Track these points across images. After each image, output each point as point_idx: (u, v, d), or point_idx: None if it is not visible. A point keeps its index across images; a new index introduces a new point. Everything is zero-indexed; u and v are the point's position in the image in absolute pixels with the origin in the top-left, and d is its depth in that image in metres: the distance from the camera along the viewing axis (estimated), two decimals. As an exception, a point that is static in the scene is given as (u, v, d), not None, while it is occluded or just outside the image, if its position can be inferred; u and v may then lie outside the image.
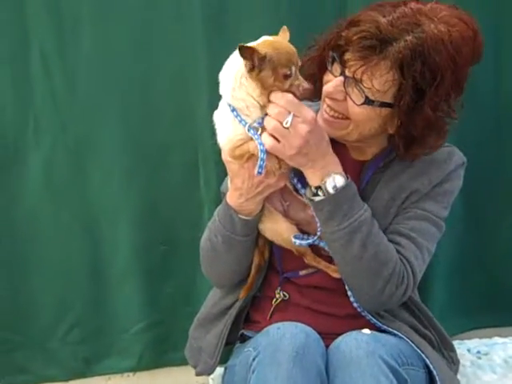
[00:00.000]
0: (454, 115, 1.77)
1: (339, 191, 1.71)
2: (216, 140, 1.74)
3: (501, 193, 2.55)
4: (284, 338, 1.64)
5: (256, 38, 2.24)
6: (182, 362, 2.19)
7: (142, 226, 2.45)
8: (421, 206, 1.83)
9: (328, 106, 1.75)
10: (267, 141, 1.62)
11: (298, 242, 1.80)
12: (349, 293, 1.84)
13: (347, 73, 1.69)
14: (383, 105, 1.69)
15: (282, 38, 1.67)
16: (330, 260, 1.84)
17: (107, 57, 2.31)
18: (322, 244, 1.81)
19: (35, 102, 2.34)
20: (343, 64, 1.69)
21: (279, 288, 1.95)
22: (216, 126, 1.72)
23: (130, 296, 2.50)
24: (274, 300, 1.95)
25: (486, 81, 2.35)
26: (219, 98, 1.69)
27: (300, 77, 1.63)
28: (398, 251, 1.77)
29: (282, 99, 1.61)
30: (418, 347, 1.85)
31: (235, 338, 2.00)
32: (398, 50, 1.62)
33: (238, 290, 1.94)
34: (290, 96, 1.62)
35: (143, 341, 2.54)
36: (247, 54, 1.57)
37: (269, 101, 1.62)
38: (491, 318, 2.67)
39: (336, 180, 1.71)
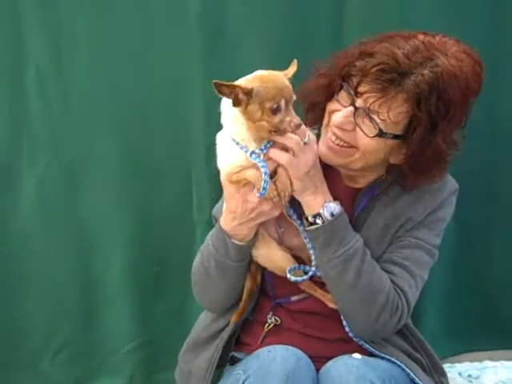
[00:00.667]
0: (458, 146, 1.80)
1: (336, 218, 1.73)
2: (215, 162, 1.75)
3: (494, 218, 2.55)
4: (275, 361, 1.64)
5: (253, 60, 2.28)
6: (173, 382, 2.16)
7: (135, 246, 2.45)
8: (414, 234, 1.83)
9: (334, 134, 1.74)
10: (283, 157, 1.64)
11: (293, 278, 1.80)
12: (344, 322, 1.84)
13: (358, 103, 1.69)
14: (395, 137, 1.71)
15: (288, 71, 1.66)
16: (325, 288, 1.84)
17: (103, 75, 2.32)
18: (318, 274, 1.81)
19: (30, 120, 2.34)
20: (356, 95, 1.69)
21: (271, 313, 1.94)
22: (217, 148, 1.73)
23: (121, 316, 2.48)
24: (266, 325, 1.94)
25: (480, 107, 2.38)
26: (215, 119, 1.70)
27: (292, 112, 1.61)
28: (391, 280, 1.78)
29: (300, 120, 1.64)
30: (410, 370, 1.85)
31: (225, 361, 1.99)
32: (416, 83, 1.63)
33: (229, 313, 1.94)
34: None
35: (134, 361, 2.53)
36: (223, 90, 1.57)
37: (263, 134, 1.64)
38: (483, 342, 2.66)
39: (333, 207, 1.74)
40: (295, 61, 1.67)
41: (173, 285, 2.49)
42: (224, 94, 1.58)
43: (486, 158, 2.46)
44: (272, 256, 1.83)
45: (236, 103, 1.59)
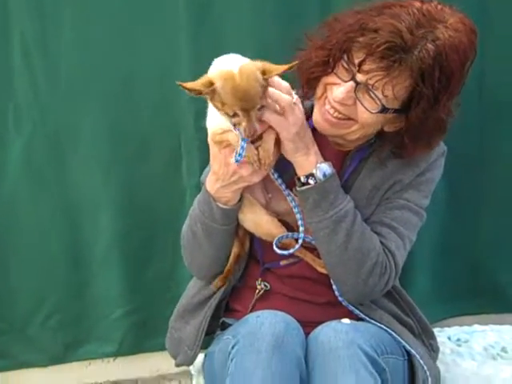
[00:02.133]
0: (453, 113, 1.78)
1: (328, 179, 1.72)
2: (204, 125, 1.74)
3: (482, 181, 2.56)
4: (263, 326, 1.64)
5: (239, 34, 2.26)
6: (163, 347, 2.17)
7: (123, 212, 2.44)
8: (403, 195, 1.84)
9: (333, 108, 1.72)
10: (273, 118, 1.62)
11: (279, 251, 1.80)
12: (333, 286, 1.85)
13: (359, 78, 1.66)
14: (396, 111, 1.70)
15: (272, 69, 1.58)
16: (315, 252, 1.84)
17: (89, 46, 2.29)
18: (307, 239, 1.81)
19: (16, 91, 2.31)
20: (359, 70, 1.65)
21: (260, 279, 1.94)
22: (207, 110, 1.71)
23: (111, 282, 2.49)
24: (257, 292, 1.94)
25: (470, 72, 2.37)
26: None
27: (251, 119, 1.56)
28: (380, 241, 1.78)
29: (283, 82, 1.64)
30: (399, 336, 1.86)
31: (216, 327, 2.00)
32: (420, 59, 1.61)
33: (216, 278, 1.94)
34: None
35: (123, 326, 2.54)
36: (189, 90, 1.56)
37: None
38: (472, 305, 2.69)
39: (325, 168, 1.73)
40: (293, 64, 1.60)
41: (162, 250, 2.49)
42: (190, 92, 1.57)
43: (475, 122, 2.46)
44: (259, 221, 1.82)
45: (199, 95, 1.58)
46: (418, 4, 1.66)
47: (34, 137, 2.34)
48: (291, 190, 1.79)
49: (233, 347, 1.66)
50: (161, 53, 2.32)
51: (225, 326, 1.98)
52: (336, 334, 1.65)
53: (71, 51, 2.28)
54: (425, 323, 2.03)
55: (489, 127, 2.50)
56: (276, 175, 1.78)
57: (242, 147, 1.62)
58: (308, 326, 1.75)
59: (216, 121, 1.66)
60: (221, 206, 1.77)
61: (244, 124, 1.56)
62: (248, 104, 1.55)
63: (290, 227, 1.84)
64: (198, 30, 2.28)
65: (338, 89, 1.70)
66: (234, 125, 1.60)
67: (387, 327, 1.86)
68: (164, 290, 2.52)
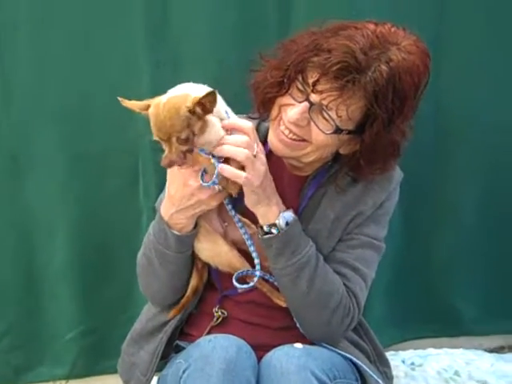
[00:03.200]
0: (407, 137, 1.79)
1: (290, 227, 1.73)
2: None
3: (437, 207, 2.60)
4: (215, 350, 1.63)
5: (198, 47, 2.27)
6: (116, 370, 2.13)
7: (79, 232, 2.41)
8: (364, 231, 1.85)
9: (287, 129, 1.72)
10: (238, 175, 1.61)
11: (239, 286, 1.79)
12: (297, 324, 1.85)
13: (313, 99, 1.66)
14: (350, 132, 1.70)
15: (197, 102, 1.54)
16: (272, 284, 1.85)
17: (45, 63, 2.27)
18: (266, 277, 1.82)
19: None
20: (313, 91, 1.66)
21: (218, 306, 1.92)
22: None
23: (65, 303, 2.46)
24: (214, 320, 1.91)
25: (425, 95, 2.41)
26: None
27: (172, 150, 1.55)
28: (344, 284, 1.79)
29: (249, 129, 1.63)
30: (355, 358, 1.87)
31: (170, 351, 1.97)
32: (373, 79, 1.61)
33: (174, 307, 1.91)
34: (250, 124, 1.64)
35: (77, 348, 2.50)
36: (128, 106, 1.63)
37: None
38: (426, 329, 2.72)
39: (287, 216, 1.74)
40: (208, 92, 1.54)
41: (118, 272, 2.47)
42: None
43: (429, 145, 2.49)
44: (217, 251, 1.81)
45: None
46: (372, 26, 1.68)
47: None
48: (245, 220, 1.79)
49: (184, 371, 1.64)
50: (118, 71, 2.31)
51: (178, 350, 1.96)
52: (288, 358, 1.65)
53: (26, 70, 2.26)
54: (380, 350, 2.04)
55: (443, 151, 2.53)
56: (230, 206, 1.76)
57: (217, 175, 1.61)
58: (261, 349, 1.74)
59: None
60: (175, 232, 1.75)
61: (165, 152, 1.56)
62: (162, 134, 1.54)
63: (249, 256, 1.82)
64: (156, 49, 2.28)
65: (292, 110, 1.69)
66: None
67: (343, 351, 1.86)
68: (119, 311, 2.49)
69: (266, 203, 1.71)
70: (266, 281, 1.84)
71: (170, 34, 2.28)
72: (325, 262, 1.79)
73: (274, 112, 1.77)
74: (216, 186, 1.65)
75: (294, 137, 1.72)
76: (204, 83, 1.63)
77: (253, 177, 1.63)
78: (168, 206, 1.74)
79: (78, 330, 2.48)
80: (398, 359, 2.48)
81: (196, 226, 1.78)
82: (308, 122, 1.69)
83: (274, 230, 1.72)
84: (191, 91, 1.57)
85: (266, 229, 1.73)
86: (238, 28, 2.30)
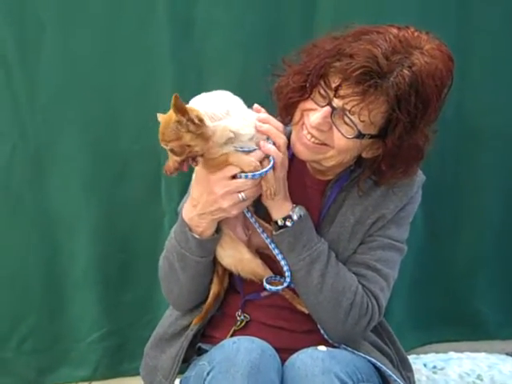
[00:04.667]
0: (430, 141, 1.78)
1: (302, 220, 1.74)
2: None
3: (460, 210, 2.59)
4: (239, 352, 1.62)
5: (221, 52, 2.29)
6: (138, 372, 2.14)
7: (101, 234, 2.43)
8: (386, 233, 1.84)
9: (309, 133, 1.72)
10: (279, 153, 1.65)
11: (271, 288, 1.79)
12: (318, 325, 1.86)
13: (336, 103, 1.66)
14: (372, 137, 1.70)
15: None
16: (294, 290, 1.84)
17: (70, 64, 2.28)
18: (292, 285, 1.82)
19: (-5, 108, 2.30)
20: (336, 96, 1.65)
21: (240, 311, 1.92)
22: None
23: (87, 305, 2.47)
24: (237, 324, 1.91)
25: (448, 99, 2.40)
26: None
27: (171, 157, 1.65)
28: (362, 284, 1.80)
29: (279, 123, 1.68)
30: (379, 362, 1.86)
31: (192, 355, 1.97)
32: (395, 84, 1.61)
33: (195, 311, 1.92)
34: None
35: (99, 350, 2.52)
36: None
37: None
38: (447, 333, 2.71)
39: (299, 210, 1.76)
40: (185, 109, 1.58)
41: (140, 274, 2.48)
42: None
43: (452, 149, 2.49)
44: (240, 258, 1.80)
45: None
46: (394, 30, 1.67)
47: (13, 158, 2.33)
48: (264, 224, 1.80)
49: (208, 373, 1.63)
50: (142, 74, 2.32)
51: (201, 352, 1.96)
52: (312, 361, 1.65)
53: (52, 70, 2.27)
54: (402, 354, 2.03)
55: (465, 155, 2.53)
56: (249, 214, 1.77)
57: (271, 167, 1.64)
58: (285, 352, 1.73)
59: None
60: (196, 236, 1.75)
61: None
62: (161, 143, 1.63)
63: (272, 262, 1.82)
64: (181, 51, 2.29)
65: (314, 114, 1.69)
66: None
67: (365, 355, 1.86)
68: (141, 313, 2.50)
69: (282, 195, 1.72)
70: (289, 287, 1.84)
71: (195, 37, 2.29)
72: (338, 261, 1.79)
73: (297, 116, 1.78)
74: (240, 195, 1.65)
75: (317, 141, 1.72)
76: (227, 87, 1.65)
77: (284, 161, 1.67)
78: (190, 209, 1.74)
79: (100, 332, 2.50)
80: (419, 363, 2.47)
81: (218, 231, 1.78)
82: (330, 127, 1.69)
83: (288, 223, 1.73)
84: (200, 104, 1.60)
85: (280, 222, 1.74)
86: (261, 32, 2.31)
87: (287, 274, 1.78)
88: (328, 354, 1.69)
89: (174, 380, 1.93)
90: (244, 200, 1.67)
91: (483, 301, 2.68)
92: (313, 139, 1.72)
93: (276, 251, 1.78)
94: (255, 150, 1.64)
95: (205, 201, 1.69)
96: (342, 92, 1.64)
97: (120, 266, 2.47)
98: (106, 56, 2.30)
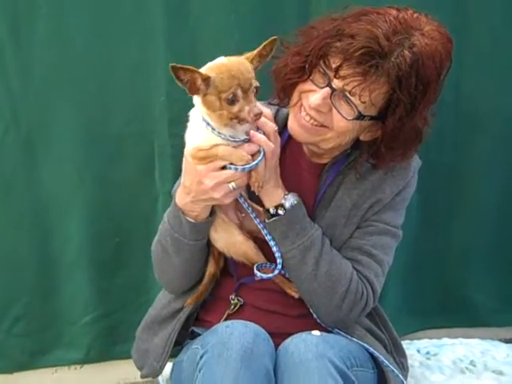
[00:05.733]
0: (429, 123, 1.78)
1: (295, 208, 1.73)
2: (179, 134, 1.71)
3: (456, 196, 2.59)
4: (232, 336, 1.62)
5: (216, 36, 2.25)
6: (131, 355, 2.13)
7: (95, 216, 2.41)
8: (382, 218, 1.84)
9: (308, 115, 1.71)
10: (270, 144, 1.63)
11: (260, 275, 1.78)
12: (311, 310, 1.85)
13: (335, 84, 1.65)
14: (372, 118, 1.69)
15: (251, 54, 1.61)
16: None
17: (63, 46, 2.26)
18: (283, 272, 1.81)
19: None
20: (336, 76, 1.65)
21: (234, 294, 1.92)
22: (189, 124, 1.68)
23: (79, 287, 2.46)
24: (231, 307, 1.91)
25: (446, 84, 2.40)
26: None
27: (252, 100, 1.57)
28: (358, 270, 1.80)
29: (266, 108, 1.67)
30: (372, 348, 1.86)
31: (184, 338, 1.97)
32: (397, 65, 1.61)
33: (188, 293, 1.91)
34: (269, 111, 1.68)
35: (92, 333, 2.51)
36: (181, 76, 1.53)
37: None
38: (441, 319, 2.71)
39: (292, 198, 1.74)
40: (270, 40, 1.61)
41: (133, 256, 2.47)
42: (181, 81, 1.54)
43: (450, 136, 2.48)
44: (232, 241, 1.80)
45: (193, 91, 1.56)
46: (394, 12, 1.67)
47: (5, 140, 2.31)
48: (257, 208, 1.78)
49: (201, 357, 1.63)
50: (136, 56, 2.30)
51: (194, 336, 1.96)
52: (306, 345, 1.64)
53: (45, 51, 2.25)
54: (396, 340, 2.03)
55: (463, 140, 2.52)
56: (242, 199, 1.75)
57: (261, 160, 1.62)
58: (278, 337, 1.73)
59: (204, 137, 1.63)
60: (190, 220, 1.74)
61: (247, 108, 1.55)
62: (245, 82, 1.55)
63: (267, 246, 1.80)
64: (175, 32, 2.27)
65: (313, 95, 1.69)
66: (237, 118, 1.57)
67: (359, 340, 1.86)
68: (134, 296, 2.50)
69: (273, 183, 1.72)
70: (280, 274, 1.83)
71: (189, 20, 2.27)
72: (332, 247, 1.79)
73: (295, 98, 1.76)
74: (230, 185, 1.64)
75: (315, 122, 1.71)
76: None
77: (275, 150, 1.65)
78: (183, 196, 1.73)
79: (92, 314, 2.49)
80: (413, 348, 2.46)
81: (211, 214, 1.77)
82: (329, 108, 1.68)
83: (280, 211, 1.73)
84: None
85: (272, 211, 1.74)
86: (257, 16, 2.30)
87: (278, 260, 1.77)
88: (322, 338, 1.69)
89: (165, 363, 1.93)
90: (235, 189, 1.66)
91: (477, 287, 2.69)
92: (311, 121, 1.71)
93: (268, 237, 1.77)
94: (246, 139, 1.62)
95: (196, 190, 1.67)
96: (342, 72, 1.63)
97: (113, 249, 2.46)
98: (99, 38, 2.27)
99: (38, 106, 2.30)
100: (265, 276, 1.78)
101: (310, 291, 1.79)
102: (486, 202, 2.61)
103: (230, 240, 1.81)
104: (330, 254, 1.77)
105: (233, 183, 1.64)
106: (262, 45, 1.59)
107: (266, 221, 1.75)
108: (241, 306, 1.92)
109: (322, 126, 1.71)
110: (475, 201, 2.60)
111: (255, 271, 1.78)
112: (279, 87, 1.81)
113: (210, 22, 2.29)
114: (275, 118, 1.81)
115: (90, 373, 2.55)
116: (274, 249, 1.77)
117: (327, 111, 1.68)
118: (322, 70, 1.68)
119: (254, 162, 1.61)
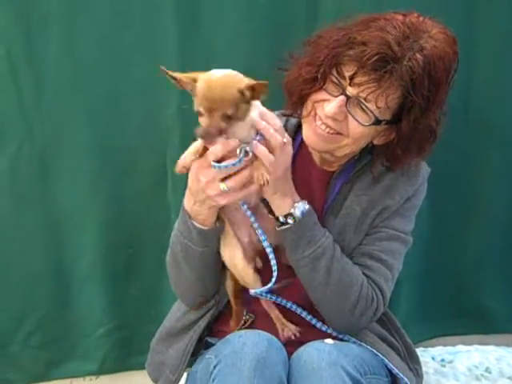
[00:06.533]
0: (440, 123, 1.80)
1: (305, 217, 1.72)
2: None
3: (468, 202, 2.57)
4: (245, 346, 1.62)
5: (228, 49, 2.28)
6: (145, 367, 2.15)
7: (108, 228, 2.42)
8: (391, 224, 1.85)
9: (324, 124, 1.72)
10: (269, 157, 1.60)
11: (253, 291, 1.79)
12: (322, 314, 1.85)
13: (350, 92, 1.67)
14: (388, 123, 1.71)
15: (244, 83, 1.56)
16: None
17: (75, 59, 2.27)
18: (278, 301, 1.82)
19: (0, 105, 2.29)
20: (350, 84, 1.67)
21: (245, 311, 1.91)
22: None
23: (94, 299, 2.47)
24: (242, 322, 1.90)
25: (455, 88, 2.39)
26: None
27: (214, 122, 1.53)
28: (367, 275, 1.80)
29: (277, 120, 1.63)
30: (384, 356, 1.86)
31: (199, 349, 1.97)
32: (409, 68, 1.63)
33: (203, 307, 1.93)
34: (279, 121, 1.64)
35: (106, 344, 2.52)
36: (169, 77, 1.59)
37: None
38: (456, 326, 2.69)
39: (302, 206, 1.74)
40: (265, 83, 1.54)
41: (146, 268, 2.48)
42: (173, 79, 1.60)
43: (460, 143, 2.47)
44: (234, 263, 1.80)
45: (180, 87, 1.60)
46: (400, 17, 1.70)
47: (19, 153, 2.33)
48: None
49: (215, 367, 1.64)
50: (149, 69, 2.28)
51: (207, 346, 1.95)
52: (319, 354, 1.64)
53: (57, 66, 2.27)
54: (410, 346, 2.03)
55: (474, 148, 2.51)
56: (245, 207, 1.73)
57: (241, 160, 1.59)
58: (291, 345, 1.74)
59: None
60: (197, 225, 1.74)
61: (205, 124, 1.54)
62: (210, 104, 1.52)
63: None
64: (187, 46, 2.28)
65: (329, 104, 1.70)
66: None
67: (372, 347, 1.86)
68: (148, 307, 2.50)
69: (282, 193, 1.71)
70: (278, 305, 1.85)
71: (201, 31, 2.28)
72: (343, 254, 1.79)
73: (308, 108, 1.78)
74: (221, 186, 1.62)
75: (331, 131, 1.73)
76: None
77: (279, 163, 1.63)
78: (189, 198, 1.74)
79: (107, 326, 2.50)
80: (427, 356, 2.46)
81: (218, 220, 1.76)
82: (345, 116, 1.70)
83: (289, 220, 1.72)
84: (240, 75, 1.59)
85: (281, 219, 1.73)
86: (268, 25, 2.31)
87: (274, 274, 1.74)
88: (335, 347, 1.69)
89: (181, 374, 1.93)
90: (226, 191, 1.63)
91: (491, 294, 2.66)
92: (327, 129, 1.73)
93: (268, 249, 1.74)
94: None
95: (196, 188, 1.68)
96: (357, 80, 1.65)
97: (127, 261, 2.46)
98: (112, 51, 2.29)
99: (51, 121, 2.31)
100: (258, 291, 1.77)
101: (322, 298, 1.79)
102: (498, 207, 2.59)
103: (232, 261, 1.80)
104: (341, 261, 1.77)
105: (223, 184, 1.62)
106: (258, 82, 1.55)
107: (277, 229, 1.75)
108: (253, 321, 1.92)
109: (338, 133, 1.73)
110: (487, 206, 2.58)
111: (251, 292, 1.79)
112: (293, 99, 1.82)
113: (223, 33, 2.30)
114: (285, 128, 1.79)
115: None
116: (272, 262, 1.74)
117: (343, 119, 1.70)
118: (335, 79, 1.70)
119: (231, 162, 1.60)
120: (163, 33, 2.27)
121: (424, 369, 2.13)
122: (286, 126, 1.88)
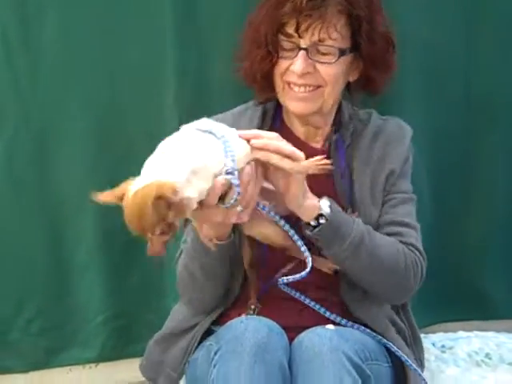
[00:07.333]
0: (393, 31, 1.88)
1: (334, 212, 1.70)
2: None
3: (469, 188, 2.57)
4: (246, 331, 1.62)
5: (226, 33, 2.24)
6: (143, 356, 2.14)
7: (107, 215, 2.38)
8: (400, 188, 1.91)
9: (302, 85, 1.78)
10: (287, 163, 1.56)
11: (285, 279, 1.72)
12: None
13: (304, 43, 1.73)
14: (352, 50, 1.78)
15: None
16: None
17: (72, 45, 2.26)
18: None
19: (-4, 89, 2.28)
20: (300, 36, 1.72)
21: (254, 302, 1.87)
22: None
23: (93, 286, 2.46)
24: (248, 311, 1.87)
25: (456, 72, 2.40)
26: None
27: (152, 244, 1.44)
28: (401, 241, 1.84)
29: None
30: (392, 343, 1.86)
31: (201, 341, 1.93)
32: None
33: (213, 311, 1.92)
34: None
35: (106, 332, 2.50)
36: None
37: None
38: (456, 312, 2.69)
39: (324, 201, 1.71)
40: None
41: (146, 256, 2.42)
42: None
43: (462, 124, 2.47)
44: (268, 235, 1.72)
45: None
46: None
47: (16, 138, 2.32)
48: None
49: (215, 353, 1.63)
50: (146, 55, 2.30)
51: (209, 333, 1.93)
52: (320, 339, 1.64)
53: (54, 51, 2.25)
54: (416, 334, 2.06)
55: (475, 130, 2.51)
56: (266, 208, 1.64)
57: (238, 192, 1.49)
58: (292, 331, 1.73)
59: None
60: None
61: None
62: (137, 231, 1.39)
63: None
64: (184, 33, 2.27)
65: (294, 65, 1.76)
66: None
67: (370, 332, 1.85)
68: (147, 295, 2.49)
69: (306, 195, 1.67)
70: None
71: (198, 20, 2.28)
72: (375, 232, 1.81)
73: (278, 82, 1.83)
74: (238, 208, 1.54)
75: (311, 88, 1.78)
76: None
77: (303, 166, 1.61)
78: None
79: (106, 313, 2.48)
80: (428, 342, 2.45)
81: (234, 233, 1.73)
82: (314, 67, 1.76)
83: (322, 220, 1.70)
84: (162, 175, 1.39)
85: (313, 223, 1.70)
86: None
87: (308, 259, 1.68)
88: (336, 332, 1.68)
89: (183, 371, 1.93)
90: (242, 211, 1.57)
91: (492, 280, 2.66)
92: (307, 88, 1.78)
93: (299, 243, 1.67)
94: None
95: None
96: (302, 28, 1.71)
97: (126, 248, 2.44)
98: (109, 37, 2.27)
99: (48, 105, 2.30)
100: (291, 278, 1.71)
101: (373, 282, 1.83)
102: (500, 193, 2.59)
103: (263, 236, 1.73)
104: (378, 239, 1.79)
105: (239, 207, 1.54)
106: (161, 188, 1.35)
107: (310, 233, 1.71)
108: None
109: (318, 86, 1.78)
110: (490, 192, 2.58)
111: (280, 285, 1.75)
112: (260, 84, 1.87)
113: (219, 22, 2.29)
114: (264, 119, 1.89)
115: (105, 371, 2.55)
116: (306, 253, 1.68)
117: (313, 71, 1.76)
118: (285, 42, 1.76)
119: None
120: (160, 18, 2.26)
121: (426, 355, 2.15)
122: (265, 114, 1.93)
